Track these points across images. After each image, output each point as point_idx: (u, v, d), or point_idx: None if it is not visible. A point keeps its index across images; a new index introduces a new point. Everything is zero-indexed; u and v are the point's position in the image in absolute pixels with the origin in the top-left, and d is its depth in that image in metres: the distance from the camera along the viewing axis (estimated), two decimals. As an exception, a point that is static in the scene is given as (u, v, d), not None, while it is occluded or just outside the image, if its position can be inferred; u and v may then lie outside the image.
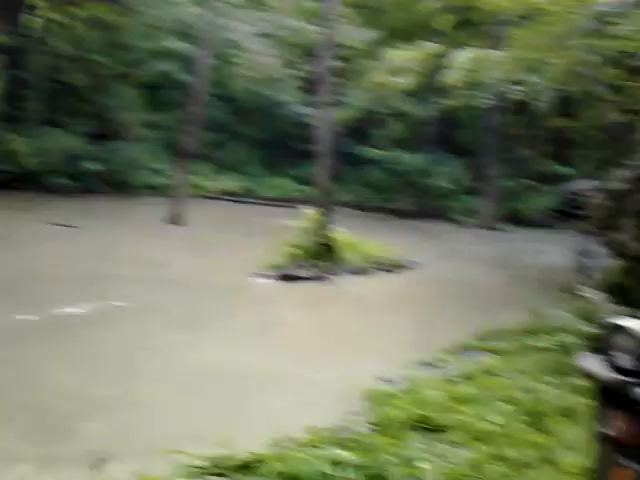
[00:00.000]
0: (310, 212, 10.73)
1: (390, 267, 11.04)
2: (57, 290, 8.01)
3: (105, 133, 17.92)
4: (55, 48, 18.79)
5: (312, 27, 16.66)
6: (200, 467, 3.78)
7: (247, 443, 3.96)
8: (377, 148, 19.85)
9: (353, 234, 11.47)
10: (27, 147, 15.82)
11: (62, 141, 16.59)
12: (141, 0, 18.87)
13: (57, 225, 11.98)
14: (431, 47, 13.58)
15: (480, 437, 4.19)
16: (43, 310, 7.05)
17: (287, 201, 18.01)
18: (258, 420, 4.78)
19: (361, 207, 19.06)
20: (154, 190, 16.81)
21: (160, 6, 19.27)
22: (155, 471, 3.75)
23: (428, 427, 4.39)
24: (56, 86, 18.81)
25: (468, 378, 5.54)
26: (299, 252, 10.12)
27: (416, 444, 4.12)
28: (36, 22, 19.13)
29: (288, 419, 4.72)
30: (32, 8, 18.90)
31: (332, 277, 10.02)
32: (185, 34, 18.75)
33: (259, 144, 21.19)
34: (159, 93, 20.13)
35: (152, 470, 3.75)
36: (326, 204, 10.92)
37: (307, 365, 6.10)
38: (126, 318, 7.10)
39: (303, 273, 9.73)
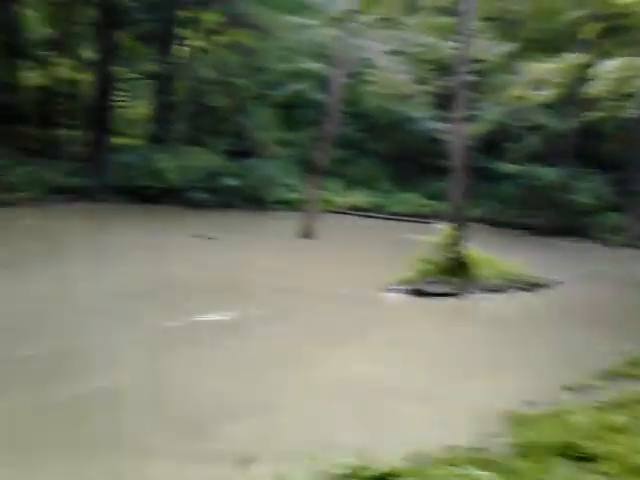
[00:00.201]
0: (442, 227, 10.54)
1: (527, 286, 10.54)
2: (199, 298, 8.42)
3: (243, 151, 18.82)
4: (199, 73, 20.15)
5: (445, 42, 16.50)
6: (338, 475, 3.80)
7: (383, 455, 3.95)
8: (511, 162, 19.17)
9: (487, 250, 11.11)
10: (172, 165, 16.93)
11: (203, 159, 17.61)
12: (279, 25, 19.66)
13: (198, 237, 12.66)
14: (574, 57, 12.94)
15: (637, 471, 3.86)
16: (187, 317, 7.43)
17: (416, 216, 17.91)
18: (393, 433, 4.73)
19: (495, 223, 18.51)
20: (287, 205, 17.37)
21: (296, 29, 19.98)
22: (295, 476, 3.82)
23: (576, 455, 4.12)
24: (199, 108, 20.12)
25: (620, 406, 5.15)
26: (431, 267, 9.95)
27: (563, 472, 3.89)
28: (183, 51, 20.69)
29: (424, 434, 4.64)
30: (182, 39, 20.48)
31: (466, 294, 9.76)
32: (319, 55, 19.29)
33: (389, 160, 21.27)
34: (293, 112, 20.87)
35: (292, 474, 3.83)
36: (458, 219, 10.68)
37: (442, 381, 5.97)
38: (264, 326, 7.33)
39: (436, 289, 9.55)
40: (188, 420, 4.79)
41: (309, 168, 15.62)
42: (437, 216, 12.45)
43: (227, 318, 7.52)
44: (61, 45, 20.27)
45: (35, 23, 20.23)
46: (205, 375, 5.71)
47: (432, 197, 19.01)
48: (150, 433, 4.55)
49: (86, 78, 19.38)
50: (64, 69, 20.03)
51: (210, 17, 19.64)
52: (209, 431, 4.64)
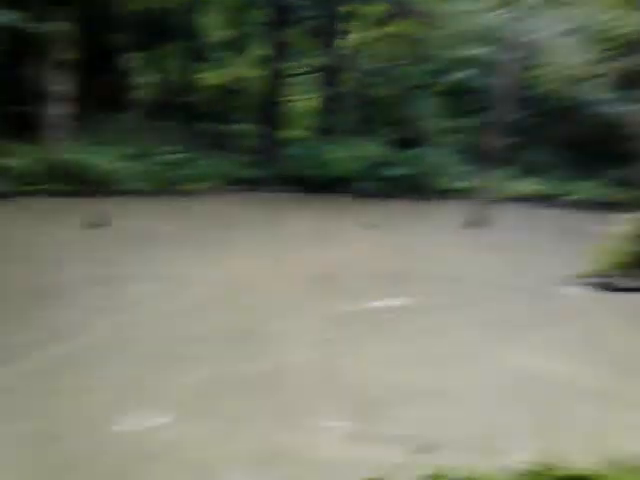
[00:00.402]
0: (630, 216, 9.58)
1: None
2: (368, 285, 8.49)
3: (409, 140, 18.65)
4: (364, 65, 20.34)
5: (631, 18, 15.08)
6: (526, 472, 3.60)
7: (574, 458, 3.67)
8: None
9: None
10: (339, 155, 17.24)
11: (369, 149, 17.73)
12: (444, 12, 19.18)
13: (365, 225, 12.79)
14: None
15: None
16: (358, 303, 7.52)
17: (596, 205, 16.60)
18: (581, 435, 4.39)
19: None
20: (455, 194, 16.92)
21: (463, 15, 19.38)
22: (478, 467, 3.68)
23: None
24: (365, 99, 20.32)
25: None
26: (618, 260, 9.08)
27: None
28: (349, 43, 20.99)
29: (611, 438, 4.26)
30: (347, 31, 20.81)
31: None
32: (488, 39, 18.53)
33: (565, 146, 19.88)
34: (460, 99, 20.28)
35: (475, 466, 3.69)
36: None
37: (634, 384, 5.44)
38: (432, 315, 7.20)
39: (625, 283, 8.71)
40: (362, 402, 4.84)
41: (478, 156, 15.11)
42: (620, 205, 11.40)
43: (397, 305, 7.49)
44: (235, 45, 21.58)
45: (212, 27, 21.75)
46: (378, 360, 5.73)
47: (614, 185, 17.51)
48: (325, 411, 4.65)
49: (258, 75, 20.40)
50: (238, 68, 21.30)
51: (374, 9, 19.73)
52: (383, 414, 4.64)
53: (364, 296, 7.79)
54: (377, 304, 7.50)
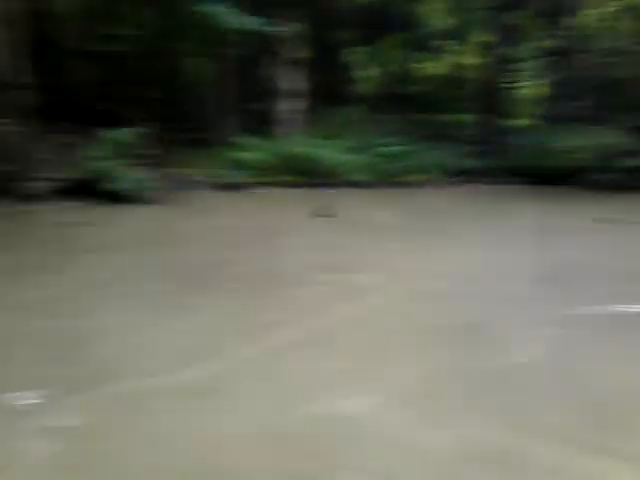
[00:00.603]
0: None
1: None
2: (603, 286, 7.66)
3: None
4: (601, 44, 18.60)
5: None
6: None
7: None
8: None
9: None
10: (571, 144, 16.06)
11: (606, 137, 16.21)
12: None
13: (601, 221, 11.68)
14: None
15: None
16: (591, 305, 6.82)
17: None
18: None
19: None
20: None
21: None
22: None
23: None
24: (601, 82, 18.59)
25: None
26: None
27: None
28: (582, 20, 19.35)
29: None
30: (579, 9, 19.22)
31: None
32: None
33: None
34: None
35: None
36: None
37: None
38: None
39: None
40: (599, 412, 4.32)
41: None
42: None
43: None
44: (457, 33, 21.14)
45: (433, 16, 21.57)
46: (615, 368, 5.10)
47: None
48: (553, 417, 4.25)
49: (481, 62, 19.75)
50: (459, 56, 20.86)
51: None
52: (624, 429, 4.11)
53: (600, 299, 7.03)
54: (615, 309, 6.74)
